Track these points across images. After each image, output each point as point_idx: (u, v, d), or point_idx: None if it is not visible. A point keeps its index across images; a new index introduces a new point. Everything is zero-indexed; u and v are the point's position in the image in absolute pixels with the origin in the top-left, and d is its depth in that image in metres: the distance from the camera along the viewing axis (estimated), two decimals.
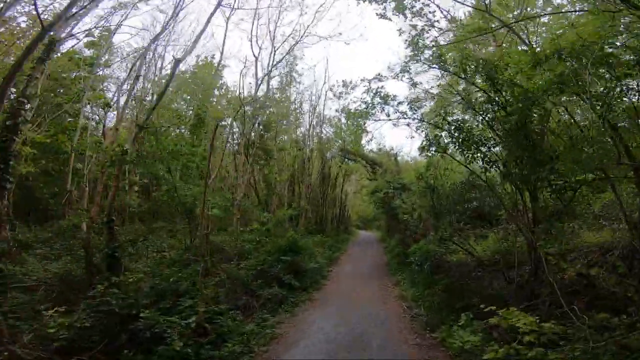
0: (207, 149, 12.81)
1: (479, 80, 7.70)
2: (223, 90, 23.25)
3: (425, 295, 10.11)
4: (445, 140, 7.29)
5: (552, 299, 6.31)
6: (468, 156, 7.13)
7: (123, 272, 7.20)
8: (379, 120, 7.83)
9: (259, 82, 16.17)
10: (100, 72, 18.02)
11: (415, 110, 7.62)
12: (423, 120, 7.75)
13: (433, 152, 7.69)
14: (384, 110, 7.73)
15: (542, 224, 6.36)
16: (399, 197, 16.64)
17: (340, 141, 28.68)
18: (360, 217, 48.06)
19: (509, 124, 6.94)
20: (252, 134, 16.57)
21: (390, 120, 7.77)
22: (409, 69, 8.09)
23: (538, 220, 6.51)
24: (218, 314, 6.98)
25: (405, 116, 7.67)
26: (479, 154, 6.99)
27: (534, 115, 6.52)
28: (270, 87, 20.50)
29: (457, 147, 7.11)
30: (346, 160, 31.03)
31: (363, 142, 31.76)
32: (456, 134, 6.97)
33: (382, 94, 7.51)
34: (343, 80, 8.52)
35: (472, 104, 7.24)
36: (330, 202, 29.90)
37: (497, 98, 7.09)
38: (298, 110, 25.34)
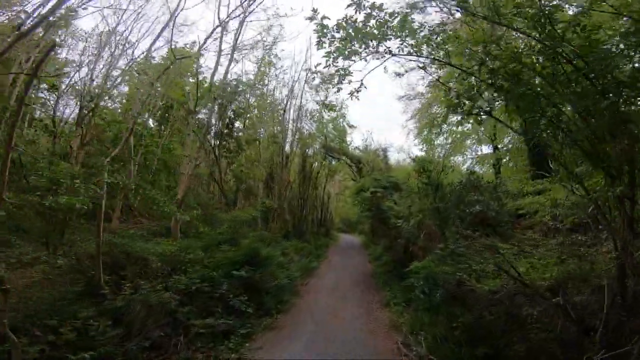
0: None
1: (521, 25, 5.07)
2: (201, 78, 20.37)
3: (427, 325, 7.45)
4: (486, 95, 4.58)
5: None
6: (526, 121, 4.45)
7: None
8: (376, 52, 4.89)
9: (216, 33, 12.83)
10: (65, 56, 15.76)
11: (436, 47, 4.74)
12: (449, 63, 4.88)
13: (464, 115, 4.89)
14: (382, 43, 4.85)
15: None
16: (389, 198, 13.96)
17: (322, 137, 26.01)
18: (343, 219, 45.49)
19: (580, 85, 4.39)
20: (214, 118, 13.53)
21: (392, 56, 4.93)
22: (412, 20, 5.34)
23: (633, 229, 3.95)
24: None
25: (418, 54, 4.83)
26: (543, 119, 4.30)
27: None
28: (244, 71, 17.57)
29: (510, 104, 4.37)
30: (329, 157, 28.37)
31: (348, 138, 29.43)
32: (506, 85, 4.26)
33: (380, 19, 4.61)
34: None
35: (518, 53, 4.60)
36: (311, 203, 27.02)
37: (558, 48, 4.48)
38: (280, 105, 22.40)
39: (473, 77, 4.53)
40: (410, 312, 8.77)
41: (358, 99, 5.16)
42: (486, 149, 24.28)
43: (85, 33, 15.95)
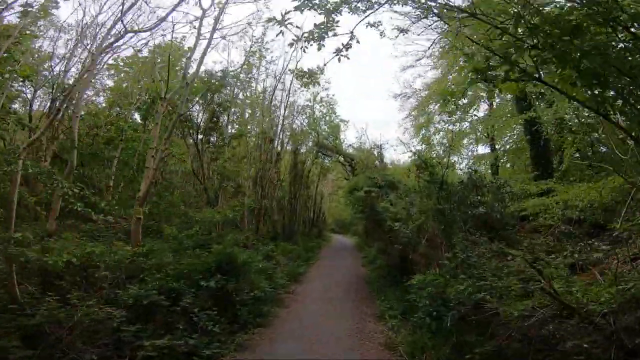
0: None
1: None
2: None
3: (430, 349, 6.30)
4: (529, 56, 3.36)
5: None
6: (594, 92, 3.24)
7: None
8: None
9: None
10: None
11: None
12: (473, 14, 3.58)
13: (498, 83, 3.61)
14: None
15: None
16: (385, 198, 12.82)
17: (314, 133, 24.81)
18: (336, 220, 44.37)
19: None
20: (185, 103, 12.04)
21: (396, 2, 3.71)
22: None
23: None
24: None
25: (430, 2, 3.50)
26: (609, 90, 3.15)
27: None
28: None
29: (567, 69, 3.16)
30: (322, 155, 27.21)
31: (342, 135, 28.26)
32: (558, 45, 3.03)
33: None
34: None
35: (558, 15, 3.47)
36: (303, 203, 25.81)
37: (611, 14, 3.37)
38: (271, 102, 21.15)
39: (506, 36, 3.34)
40: (409, 329, 7.64)
41: (348, 58, 4.00)
42: (481, 150, 23.51)
43: (68, 25, 14.74)
